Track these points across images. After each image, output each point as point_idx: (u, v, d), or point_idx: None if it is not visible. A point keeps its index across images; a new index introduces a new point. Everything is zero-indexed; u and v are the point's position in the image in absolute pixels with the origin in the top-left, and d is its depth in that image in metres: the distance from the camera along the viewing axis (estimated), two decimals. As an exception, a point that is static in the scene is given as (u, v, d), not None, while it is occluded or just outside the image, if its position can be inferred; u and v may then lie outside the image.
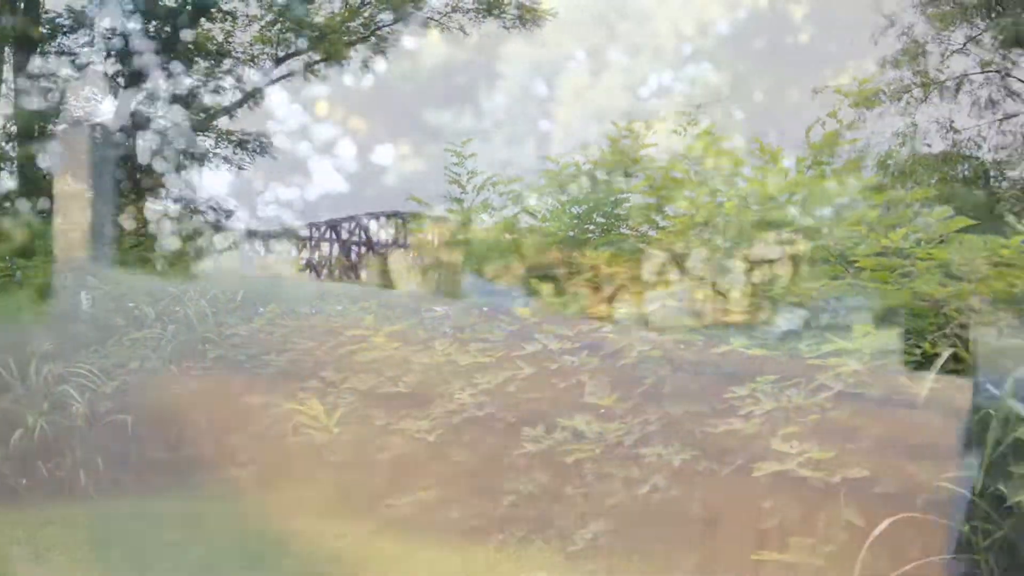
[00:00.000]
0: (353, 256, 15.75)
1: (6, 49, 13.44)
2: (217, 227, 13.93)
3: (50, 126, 13.24)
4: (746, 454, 4.21)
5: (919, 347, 4.12)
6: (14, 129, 13.58)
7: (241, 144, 14.63)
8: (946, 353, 3.73)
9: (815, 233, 6.20)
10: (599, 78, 17.77)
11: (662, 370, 4.97)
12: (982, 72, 17.79)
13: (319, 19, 15.69)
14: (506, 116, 16.89)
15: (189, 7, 14.87)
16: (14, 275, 9.32)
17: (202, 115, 14.60)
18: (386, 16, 16.61)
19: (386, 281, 10.98)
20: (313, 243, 15.75)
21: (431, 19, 16.68)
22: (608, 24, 18.03)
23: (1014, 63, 17.85)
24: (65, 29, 14.13)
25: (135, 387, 7.51)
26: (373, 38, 16.52)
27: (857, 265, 5.20)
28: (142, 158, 13.61)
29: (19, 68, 13.40)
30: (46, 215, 10.64)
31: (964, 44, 18.15)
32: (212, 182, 14.11)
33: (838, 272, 5.20)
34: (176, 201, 14.00)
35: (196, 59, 14.71)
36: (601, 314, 6.14)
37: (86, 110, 14.28)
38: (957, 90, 17.71)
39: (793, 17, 17.85)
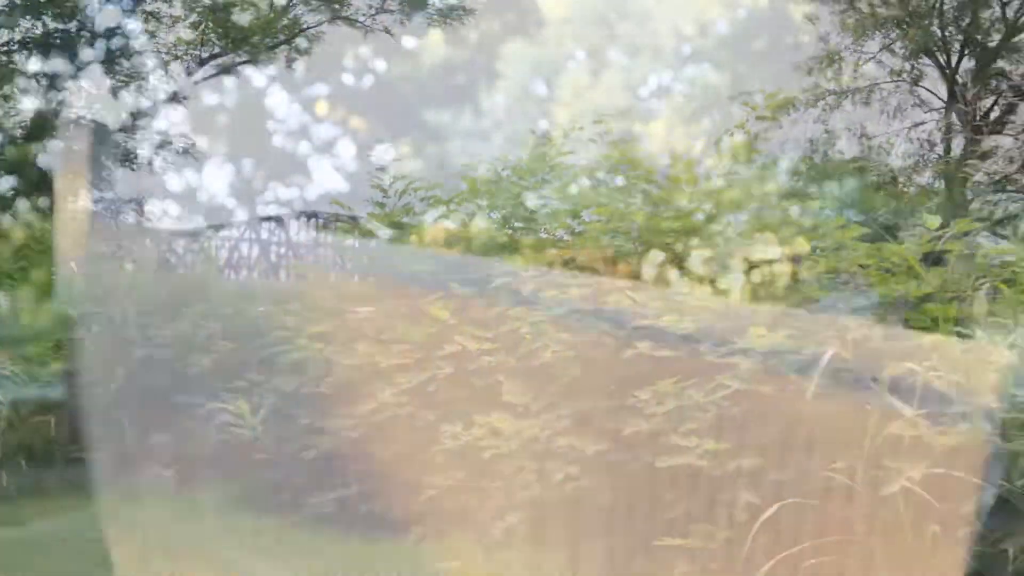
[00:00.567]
0: (272, 256, 15.78)
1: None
2: (143, 228, 13.96)
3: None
4: (651, 448, 4.52)
5: (809, 347, 4.46)
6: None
7: (163, 146, 14.69)
8: (829, 353, 4.07)
9: (724, 239, 6.56)
10: (599, 78, 17.92)
11: (575, 370, 5.26)
12: (892, 81, 18.43)
13: (244, 20, 15.78)
14: (505, 116, 16.99)
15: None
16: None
17: (126, 116, 14.62)
18: (312, 17, 16.78)
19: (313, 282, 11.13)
20: (233, 243, 15.77)
21: (356, 21, 16.86)
22: (608, 24, 18.17)
23: (922, 73, 18.51)
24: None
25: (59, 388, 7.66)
26: (299, 39, 16.69)
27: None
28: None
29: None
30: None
31: (877, 53, 18.76)
32: (212, 182, 14.06)
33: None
34: (97, 202, 14.02)
35: (120, 59, 14.75)
36: (518, 316, 6.43)
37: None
38: (868, 98, 18.32)
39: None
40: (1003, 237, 17.25)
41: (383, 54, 17.01)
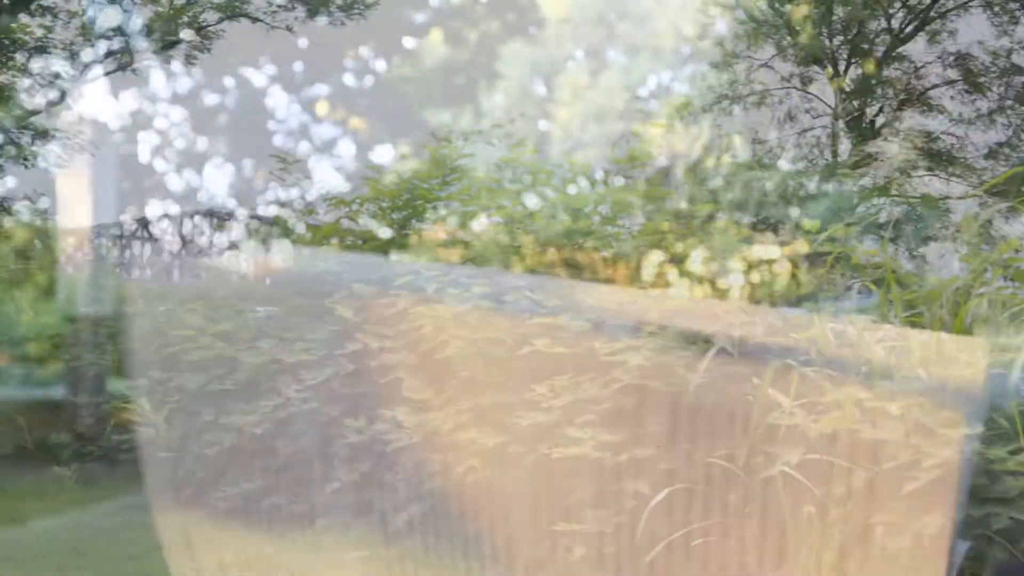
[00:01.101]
0: (166, 256, 15.66)
1: None
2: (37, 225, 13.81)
3: None
4: (548, 440, 4.75)
5: (696, 344, 4.72)
6: None
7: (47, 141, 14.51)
8: (715, 348, 4.34)
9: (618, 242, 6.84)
10: (599, 78, 17.98)
11: (476, 365, 5.46)
12: (782, 88, 19.02)
13: (140, 18, 15.68)
14: (505, 116, 16.95)
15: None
16: None
17: (19, 112, 14.43)
18: (210, 15, 16.70)
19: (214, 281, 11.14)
20: (124, 241, 15.60)
21: (257, 19, 16.82)
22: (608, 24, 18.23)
23: (811, 80, 19.15)
24: None
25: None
26: (197, 37, 16.59)
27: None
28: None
29: None
30: None
31: (768, 59, 19.32)
32: (212, 182, 13.89)
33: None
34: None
35: (11, 54, 14.55)
36: (423, 314, 6.61)
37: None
38: (760, 104, 18.90)
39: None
40: (890, 240, 17.98)
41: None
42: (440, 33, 17.27)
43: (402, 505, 5.48)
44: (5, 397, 8.21)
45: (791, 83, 18.98)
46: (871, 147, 17.87)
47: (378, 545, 5.37)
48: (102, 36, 15.44)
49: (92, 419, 8.11)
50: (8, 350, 8.45)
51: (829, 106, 18.84)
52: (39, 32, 14.98)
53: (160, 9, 16.58)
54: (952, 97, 18.55)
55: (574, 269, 6.72)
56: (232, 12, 17.04)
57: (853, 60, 18.75)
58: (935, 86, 18.58)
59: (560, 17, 17.85)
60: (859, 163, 17.40)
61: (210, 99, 16.98)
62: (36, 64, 14.91)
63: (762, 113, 18.71)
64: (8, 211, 14.22)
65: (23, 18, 14.99)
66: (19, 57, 14.84)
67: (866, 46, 18.66)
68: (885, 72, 18.74)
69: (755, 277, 5.90)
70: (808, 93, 18.92)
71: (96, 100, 15.48)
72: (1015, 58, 18.18)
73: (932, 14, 18.49)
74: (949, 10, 18.32)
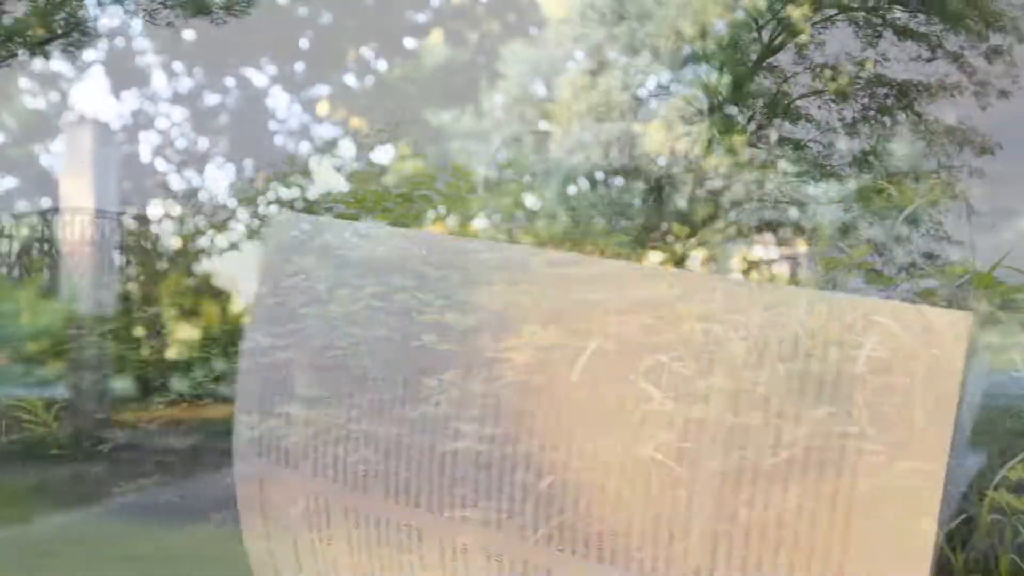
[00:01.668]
0: (35, 254, 15.42)
1: None
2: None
3: None
4: (438, 432, 5.02)
5: (576, 341, 5.03)
6: None
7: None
8: (593, 346, 4.65)
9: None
10: (599, 78, 18.00)
11: (367, 362, 5.70)
12: (657, 95, 19.59)
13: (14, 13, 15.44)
14: (505, 116, 16.88)
15: None
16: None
17: None
18: (87, 13, 16.50)
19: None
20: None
21: (135, 15, 16.67)
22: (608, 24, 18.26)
23: (686, 88, 19.74)
24: None
25: None
26: (74, 34, 16.37)
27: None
28: None
29: None
30: None
31: (645, 67, 19.86)
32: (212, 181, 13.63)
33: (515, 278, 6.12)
34: None
35: None
36: (311, 313, 6.81)
37: None
38: (637, 110, 19.44)
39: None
40: (760, 244, 18.65)
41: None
42: (440, 34, 17.32)
43: (294, 498, 5.70)
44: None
45: (666, 91, 19.59)
46: (743, 154, 18.56)
47: (275, 537, 5.58)
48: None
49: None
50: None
51: (703, 113, 19.49)
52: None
53: (35, 4, 16.36)
54: (819, 107, 19.36)
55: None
56: (107, 11, 16.88)
57: (724, 68, 19.42)
58: (803, 96, 19.36)
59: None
60: (731, 169, 18.04)
61: (210, 99, 16.87)
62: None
63: (639, 120, 19.27)
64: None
65: None
66: None
67: (738, 55, 19.36)
68: (756, 81, 19.46)
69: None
70: (682, 101, 19.54)
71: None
72: (878, 69, 19.04)
73: (800, 26, 19.25)
74: (816, 23, 19.12)
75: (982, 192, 17.93)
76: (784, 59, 19.44)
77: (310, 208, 7.72)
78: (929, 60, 18.79)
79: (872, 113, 19.32)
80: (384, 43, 16.75)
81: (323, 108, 16.65)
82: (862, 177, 18.63)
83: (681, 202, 17.99)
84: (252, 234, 7.88)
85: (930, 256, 18.08)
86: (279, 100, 16.82)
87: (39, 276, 10.46)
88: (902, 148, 18.89)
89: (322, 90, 16.46)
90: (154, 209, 7.72)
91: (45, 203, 14.01)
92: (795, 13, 19.19)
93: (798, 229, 17.87)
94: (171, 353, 6.56)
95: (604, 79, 19.46)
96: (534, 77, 18.49)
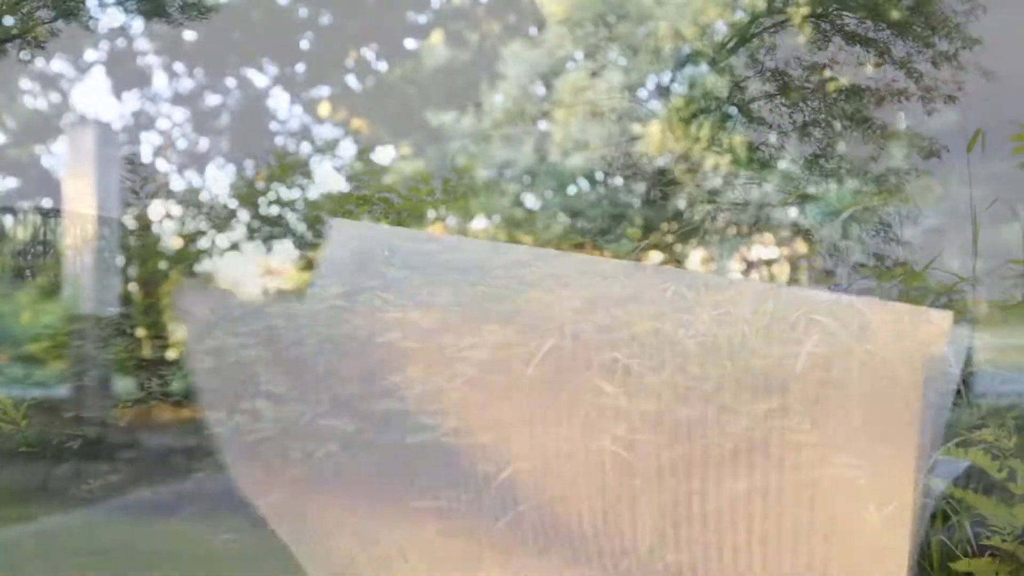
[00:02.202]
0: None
1: None
2: None
3: None
4: (402, 427, 5.23)
5: (533, 340, 5.24)
6: None
7: None
8: (549, 343, 4.88)
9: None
10: (598, 79, 18.07)
11: (332, 359, 5.90)
12: (611, 98, 19.85)
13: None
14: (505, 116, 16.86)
15: None
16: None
17: None
18: (45, 13, 16.47)
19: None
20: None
21: (89, 18, 16.66)
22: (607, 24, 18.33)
23: (637, 91, 20.03)
24: None
25: None
26: (31, 35, 16.34)
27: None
28: None
29: None
30: None
31: (600, 69, 20.12)
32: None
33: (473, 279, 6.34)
34: None
35: None
36: (277, 312, 7.00)
37: None
38: (589, 113, 19.69)
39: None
40: (712, 244, 18.98)
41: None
42: (441, 34, 17.36)
43: (264, 491, 5.87)
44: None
45: (620, 93, 19.85)
46: (696, 156, 18.88)
47: (245, 529, 5.76)
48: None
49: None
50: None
51: (655, 116, 19.79)
52: None
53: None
54: (771, 110, 19.71)
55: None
56: (64, 12, 16.85)
57: (676, 72, 19.74)
58: (755, 99, 19.70)
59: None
60: (685, 172, 18.35)
61: (212, 99, 16.82)
62: None
63: (595, 122, 19.52)
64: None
65: None
66: None
67: (689, 59, 19.66)
68: (708, 84, 19.78)
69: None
70: (634, 103, 19.84)
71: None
72: (828, 74, 19.42)
73: (752, 31, 19.60)
74: (767, 28, 19.49)
75: (929, 194, 18.36)
76: (735, 63, 19.79)
77: (311, 208, 7.86)
78: (877, 65, 19.18)
79: (822, 117, 19.70)
80: (385, 44, 16.84)
81: (324, 109, 16.75)
82: (813, 179, 18.98)
83: (636, 204, 18.28)
84: (253, 234, 7.99)
85: (879, 257, 18.49)
86: (280, 101, 16.90)
87: (41, 276, 10.49)
88: (851, 151, 19.27)
89: (323, 91, 16.56)
90: (155, 209, 7.83)
91: (46, 203, 14.05)
92: (746, 18, 19.56)
93: (752, 230, 18.22)
94: (170, 353, 6.69)
95: (561, 82, 19.73)
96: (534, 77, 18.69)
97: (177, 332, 6.95)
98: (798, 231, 18.42)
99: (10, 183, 14.57)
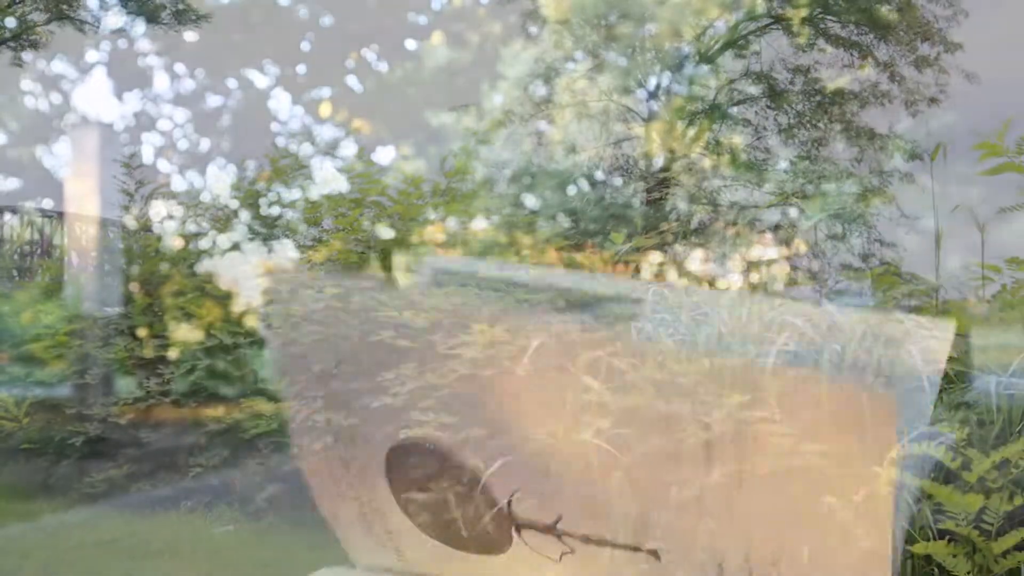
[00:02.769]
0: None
1: None
2: None
3: None
4: (395, 422, 5.45)
5: (520, 339, 5.45)
6: None
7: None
8: (536, 342, 5.11)
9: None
10: (592, 80, 18.19)
11: (327, 357, 6.11)
12: (599, 101, 20.06)
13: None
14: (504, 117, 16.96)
15: None
16: None
17: None
18: (38, 16, 16.60)
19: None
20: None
21: (84, 21, 16.79)
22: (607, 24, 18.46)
23: (625, 94, 20.23)
24: None
25: None
26: (24, 37, 16.47)
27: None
28: None
29: None
30: None
31: (586, 71, 20.33)
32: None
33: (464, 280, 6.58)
34: None
35: None
36: (271, 312, 7.23)
37: None
38: (578, 115, 19.90)
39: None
40: (698, 246, 19.21)
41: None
42: (441, 35, 17.45)
43: (261, 486, 6.12)
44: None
45: (609, 96, 20.08)
46: (681, 159, 19.11)
47: (241, 521, 5.98)
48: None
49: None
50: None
51: (642, 118, 20.03)
52: None
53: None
54: (756, 112, 19.94)
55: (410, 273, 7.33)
56: (59, 14, 16.97)
57: (663, 75, 19.95)
58: (740, 101, 19.93)
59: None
60: (669, 175, 18.57)
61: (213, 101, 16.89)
62: None
63: (580, 124, 19.74)
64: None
65: None
66: None
67: (675, 62, 19.88)
68: (693, 88, 20.02)
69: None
70: (622, 106, 20.07)
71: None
72: (812, 76, 19.64)
73: (737, 33, 19.82)
74: (751, 32, 19.72)
75: (911, 196, 18.57)
76: (720, 66, 20.01)
77: (309, 210, 8.01)
78: (861, 67, 19.41)
79: (807, 119, 19.93)
80: (385, 45, 16.96)
81: (325, 109, 16.89)
82: (797, 181, 19.19)
83: (621, 205, 18.47)
84: (254, 235, 8.14)
85: (865, 257, 18.75)
86: (281, 101, 17.04)
87: (42, 276, 10.59)
88: (836, 153, 19.47)
89: (324, 92, 16.70)
90: (156, 210, 7.94)
91: (47, 204, 14.18)
92: (731, 21, 19.77)
93: (738, 232, 18.43)
94: (171, 353, 6.84)
95: (546, 86, 19.93)
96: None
97: (177, 331, 7.16)
98: (784, 232, 18.64)
99: (11, 183, 14.67)
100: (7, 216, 15.16)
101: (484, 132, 8.59)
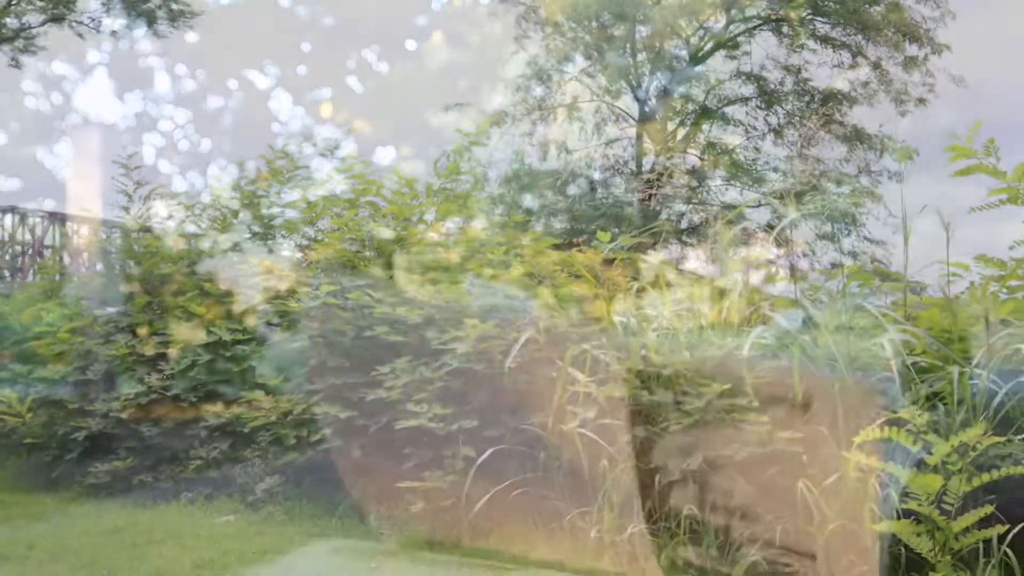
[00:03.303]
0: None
1: None
2: None
3: None
4: (391, 413, 5.67)
5: (510, 334, 5.66)
6: None
7: None
8: (524, 336, 5.32)
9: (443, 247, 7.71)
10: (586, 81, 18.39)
11: (324, 351, 6.33)
12: (591, 101, 20.26)
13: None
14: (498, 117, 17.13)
15: None
16: None
17: None
18: (34, 17, 16.78)
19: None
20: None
21: (80, 23, 16.97)
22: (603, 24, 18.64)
23: (619, 93, 20.39)
24: None
25: None
26: (20, 38, 16.63)
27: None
28: None
29: None
30: None
31: (577, 74, 20.47)
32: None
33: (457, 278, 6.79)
34: None
35: None
36: (270, 310, 7.50)
37: None
38: (570, 116, 20.07)
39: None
40: (689, 244, 19.40)
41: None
42: (441, 36, 17.64)
43: (260, 477, 6.31)
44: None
45: (600, 97, 20.28)
46: (673, 159, 19.30)
47: (241, 511, 6.18)
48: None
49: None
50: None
51: (634, 119, 20.24)
52: None
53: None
54: (747, 113, 20.12)
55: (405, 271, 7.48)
56: (55, 16, 17.14)
57: (654, 76, 20.12)
58: (731, 102, 20.12)
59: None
60: (661, 175, 18.74)
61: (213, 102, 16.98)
62: None
63: (573, 125, 19.96)
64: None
65: None
66: None
67: (666, 64, 20.05)
68: (684, 89, 20.22)
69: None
70: (614, 106, 20.27)
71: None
72: (802, 76, 19.82)
73: (727, 34, 19.99)
74: (741, 33, 19.93)
75: (899, 195, 18.67)
76: (711, 66, 20.23)
77: (306, 211, 8.16)
78: (851, 67, 19.61)
79: (796, 119, 20.13)
80: (386, 45, 17.14)
81: (326, 110, 17.10)
82: (788, 180, 19.35)
83: (614, 206, 18.66)
84: (253, 235, 8.27)
85: (854, 255, 18.94)
86: (282, 102, 17.22)
87: (44, 275, 10.70)
88: (825, 153, 19.64)
89: (324, 92, 16.87)
90: (156, 210, 8.10)
91: (47, 204, 14.36)
92: (721, 22, 19.97)
93: (726, 230, 18.55)
94: (171, 350, 6.97)
95: (540, 88, 20.13)
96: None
97: (177, 329, 7.31)
98: (770, 230, 18.80)
99: (12, 184, 14.86)
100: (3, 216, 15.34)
101: (477, 134, 8.76)
